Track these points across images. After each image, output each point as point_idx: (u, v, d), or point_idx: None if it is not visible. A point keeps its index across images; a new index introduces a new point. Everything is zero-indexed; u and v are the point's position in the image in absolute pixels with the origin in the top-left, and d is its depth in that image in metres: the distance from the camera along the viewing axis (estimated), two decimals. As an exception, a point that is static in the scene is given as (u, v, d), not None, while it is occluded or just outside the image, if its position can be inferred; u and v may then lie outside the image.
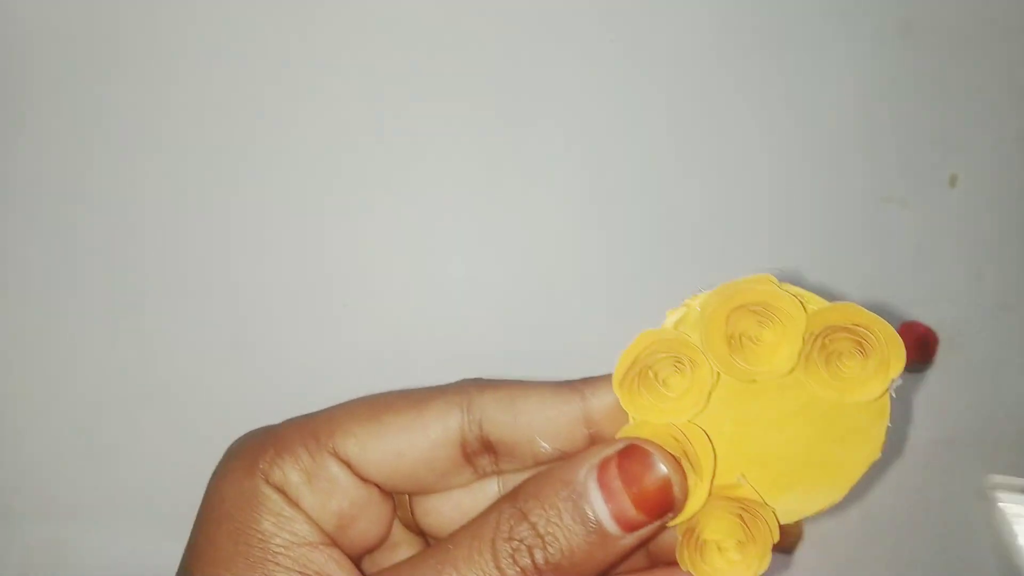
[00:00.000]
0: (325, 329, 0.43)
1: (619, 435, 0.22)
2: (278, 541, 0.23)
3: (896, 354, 0.21)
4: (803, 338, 0.21)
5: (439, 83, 0.43)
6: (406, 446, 0.24)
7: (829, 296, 0.22)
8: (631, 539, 0.21)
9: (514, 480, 0.25)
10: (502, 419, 0.24)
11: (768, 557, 0.21)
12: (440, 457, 0.24)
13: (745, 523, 0.21)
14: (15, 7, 0.42)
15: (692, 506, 0.22)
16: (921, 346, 0.43)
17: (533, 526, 0.21)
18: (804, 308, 0.21)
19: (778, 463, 0.22)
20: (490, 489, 0.26)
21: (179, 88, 0.43)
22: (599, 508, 0.21)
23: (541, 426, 0.23)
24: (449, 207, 0.43)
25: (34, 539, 0.42)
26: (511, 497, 0.22)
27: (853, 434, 0.22)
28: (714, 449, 0.22)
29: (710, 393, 0.22)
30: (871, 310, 0.21)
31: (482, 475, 0.25)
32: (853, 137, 0.44)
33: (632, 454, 0.21)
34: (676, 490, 0.21)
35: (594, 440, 0.24)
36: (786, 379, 0.22)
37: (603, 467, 0.21)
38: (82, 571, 0.42)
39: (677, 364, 0.22)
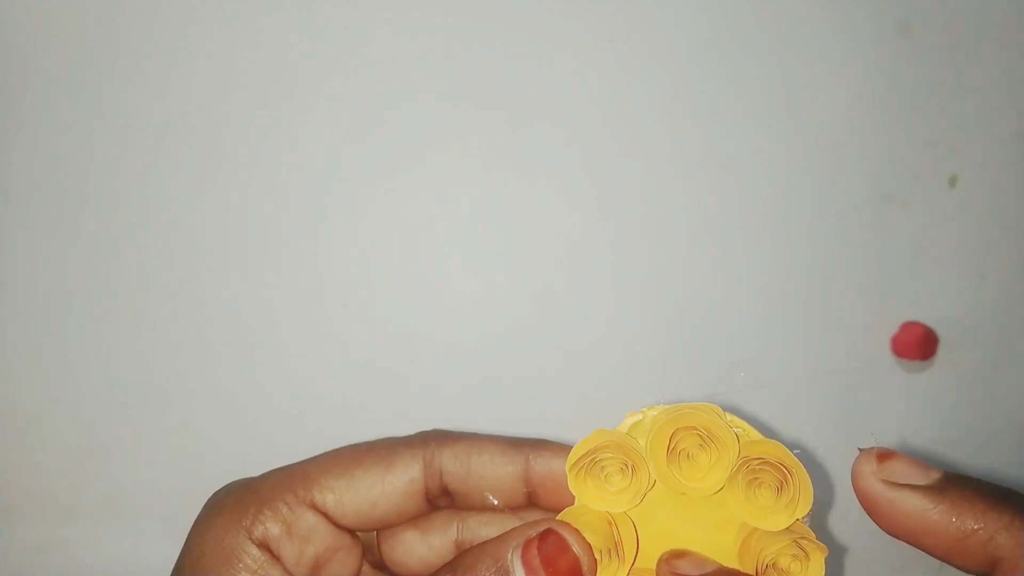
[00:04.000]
0: (325, 329, 0.43)
1: (560, 516, 0.25)
2: None
3: (805, 498, 0.25)
4: (732, 465, 0.25)
5: (439, 83, 0.43)
6: (379, 497, 0.28)
7: (765, 430, 0.25)
8: None
9: (472, 525, 0.29)
10: (458, 472, 0.28)
11: None
12: (406, 503, 0.28)
13: None
14: (15, 7, 0.42)
15: None
16: (921, 346, 0.43)
17: None
18: (739, 440, 0.25)
19: None
20: (450, 535, 0.30)
21: (179, 88, 0.43)
22: None
23: (489, 482, 0.28)
24: (449, 207, 0.43)
25: (34, 539, 0.42)
26: (449, 567, 0.25)
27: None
28: (638, 539, 0.25)
29: (645, 494, 0.25)
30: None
31: (439, 509, 0.29)
32: (853, 137, 0.44)
33: (550, 537, 0.24)
34: (586, 572, 0.24)
35: (531, 498, 0.28)
36: (713, 496, 0.25)
37: (526, 547, 0.24)
38: (82, 571, 0.42)
39: (623, 465, 0.25)
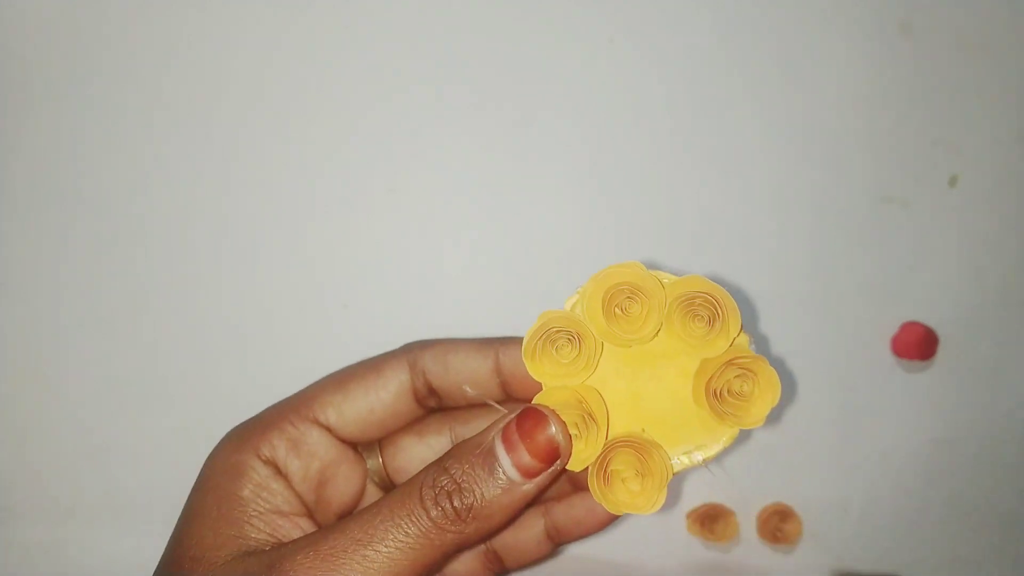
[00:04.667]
0: (325, 329, 0.43)
1: (532, 402, 0.27)
2: (254, 507, 0.27)
3: (733, 317, 0.27)
4: (663, 308, 0.27)
5: (439, 83, 0.43)
6: (375, 402, 0.30)
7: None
8: (531, 486, 0.26)
9: (463, 424, 0.32)
10: (438, 370, 0.30)
11: (664, 491, 0.26)
12: (400, 405, 0.31)
13: (642, 458, 0.26)
14: (15, 7, 0.42)
15: (591, 449, 0.27)
16: (921, 346, 0.43)
17: (452, 477, 0.26)
18: (662, 285, 0.27)
19: (670, 416, 0.27)
20: (445, 435, 0.32)
21: (178, 88, 0.43)
22: (502, 458, 0.26)
23: (465, 375, 0.30)
24: (449, 207, 0.43)
25: (34, 539, 0.42)
26: (437, 461, 0.27)
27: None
28: (606, 404, 0.27)
29: (597, 359, 0.27)
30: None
31: (431, 410, 0.32)
32: (853, 137, 0.44)
33: (527, 415, 0.26)
34: (561, 440, 0.26)
35: (504, 388, 0.31)
36: (657, 345, 0.27)
37: (506, 428, 0.26)
38: (82, 571, 0.42)
39: (569, 336, 0.27)
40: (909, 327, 0.43)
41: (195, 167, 0.43)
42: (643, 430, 0.27)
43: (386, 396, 0.30)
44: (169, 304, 0.42)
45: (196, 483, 0.29)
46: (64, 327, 0.42)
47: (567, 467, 0.27)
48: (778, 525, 0.42)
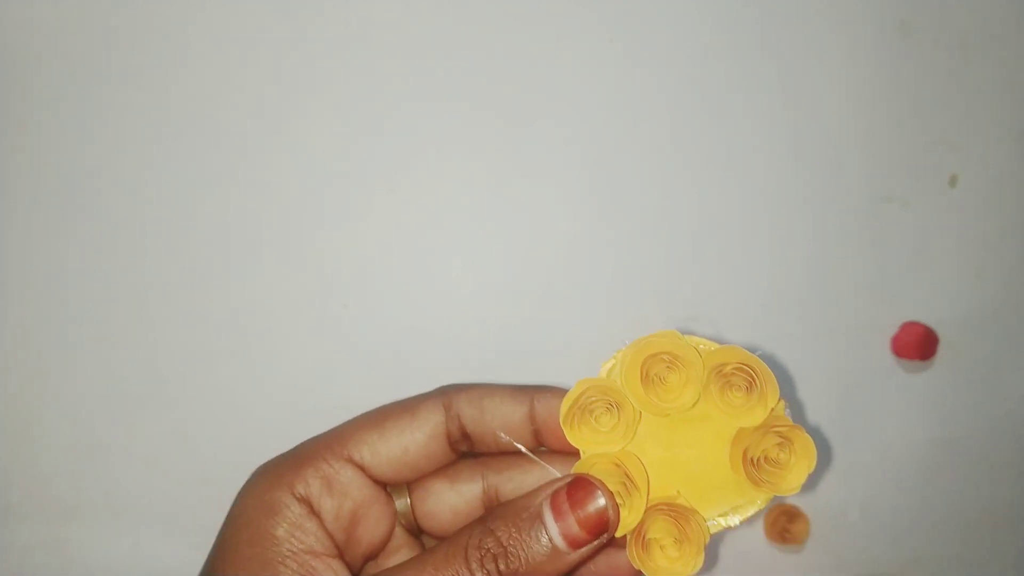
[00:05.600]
0: (325, 330, 0.43)
1: (573, 470, 0.27)
2: (287, 547, 0.27)
3: (771, 388, 0.27)
4: (701, 378, 0.27)
5: (439, 83, 0.43)
6: (408, 443, 0.30)
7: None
8: (575, 555, 0.26)
9: (495, 474, 0.32)
10: (473, 414, 0.30)
11: (701, 554, 0.26)
12: (433, 448, 0.30)
13: (680, 525, 0.27)
14: (15, 7, 0.42)
15: (633, 516, 0.27)
16: (921, 346, 0.43)
17: (498, 540, 0.26)
18: (700, 354, 0.27)
19: (706, 479, 0.28)
20: (476, 483, 0.32)
21: (179, 88, 0.43)
22: (550, 526, 0.26)
23: (500, 421, 0.30)
24: (449, 207, 0.43)
25: (34, 539, 0.42)
26: (482, 519, 0.27)
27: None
28: (647, 471, 0.27)
29: (636, 427, 0.28)
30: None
31: (462, 454, 0.32)
32: (853, 137, 0.44)
33: (579, 485, 0.26)
34: (611, 514, 0.26)
35: (537, 436, 0.30)
36: (694, 411, 0.28)
37: (555, 495, 0.26)
38: (82, 571, 0.42)
39: (607, 405, 0.27)
40: (909, 327, 0.43)
41: (195, 168, 0.43)
42: (678, 492, 0.28)
43: (420, 437, 0.30)
44: (169, 304, 0.42)
45: (229, 517, 0.29)
46: (64, 327, 0.42)
47: (617, 536, 0.27)
48: (785, 526, 0.42)
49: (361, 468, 0.30)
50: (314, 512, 0.28)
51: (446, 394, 0.31)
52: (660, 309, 0.44)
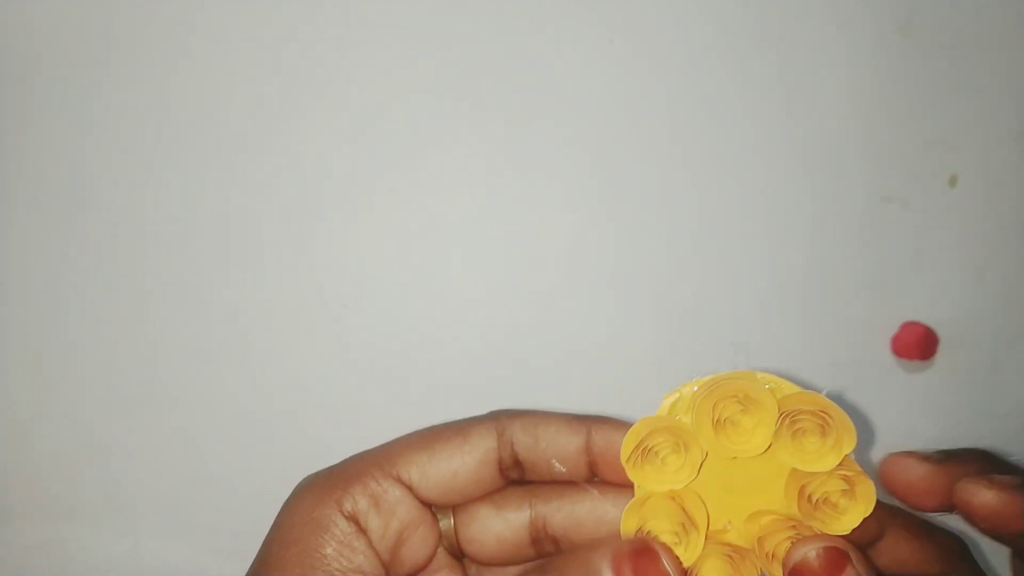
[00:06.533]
0: (325, 330, 0.43)
1: (628, 507, 0.26)
2: (336, 565, 0.27)
3: (848, 436, 0.26)
4: (775, 421, 0.26)
5: (439, 83, 0.43)
6: (459, 467, 0.29)
7: (800, 383, 0.26)
8: None
9: (544, 503, 0.30)
10: (527, 442, 0.29)
11: None
12: (483, 473, 0.30)
13: (734, 563, 0.26)
14: (15, 7, 0.42)
15: (690, 555, 0.26)
16: (921, 346, 0.43)
17: None
18: (775, 398, 0.26)
19: (759, 512, 0.27)
20: (524, 511, 0.31)
21: (178, 88, 0.43)
22: None
23: (555, 451, 0.29)
24: (449, 207, 0.43)
25: (34, 539, 0.42)
26: (539, 568, 0.26)
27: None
28: (707, 508, 0.27)
29: (700, 466, 0.27)
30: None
31: (511, 482, 0.31)
32: (853, 137, 0.44)
33: (643, 552, 0.25)
34: None
35: (592, 468, 0.29)
36: (763, 454, 0.26)
37: (617, 558, 0.25)
38: (82, 571, 0.42)
39: (674, 445, 0.26)
40: (909, 327, 0.43)
41: (195, 167, 0.43)
42: (729, 523, 0.27)
43: (471, 461, 0.29)
44: (169, 304, 0.42)
45: (274, 532, 0.28)
46: (64, 327, 0.42)
47: None
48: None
49: (409, 488, 0.29)
50: (362, 530, 0.28)
51: (499, 420, 0.30)
52: (660, 309, 0.44)
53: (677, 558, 0.25)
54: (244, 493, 0.42)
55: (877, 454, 0.43)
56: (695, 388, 0.27)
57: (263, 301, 0.43)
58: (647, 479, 0.27)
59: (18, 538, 0.42)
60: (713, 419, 0.26)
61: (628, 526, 0.26)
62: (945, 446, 0.44)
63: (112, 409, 0.42)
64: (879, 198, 0.44)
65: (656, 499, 0.26)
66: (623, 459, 0.26)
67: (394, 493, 0.29)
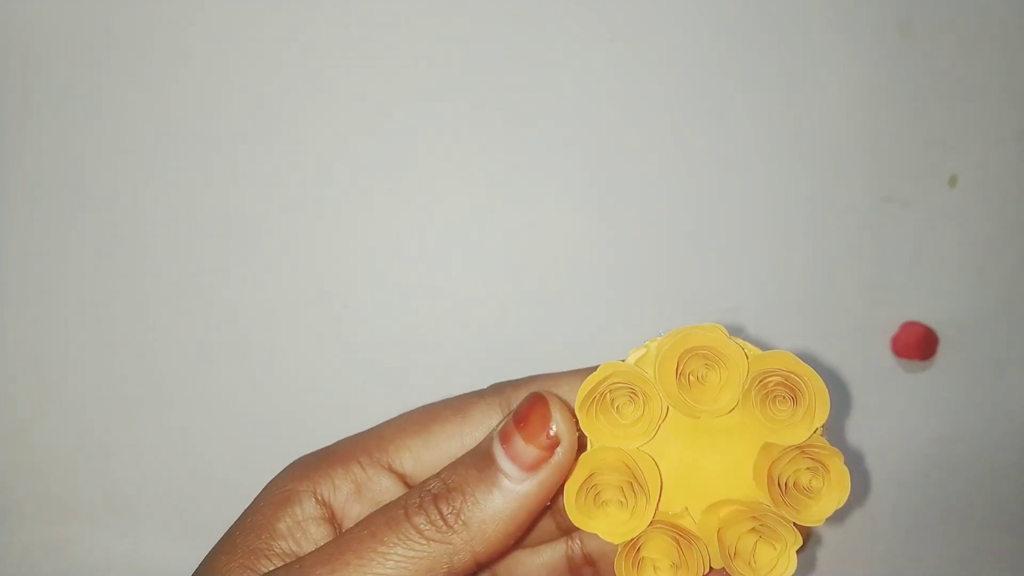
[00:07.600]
0: (325, 330, 0.43)
1: (580, 458, 0.24)
2: (282, 545, 0.24)
3: (822, 404, 0.23)
4: (743, 382, 0.24)
5: (439, 83, 0.43)
6: (458, 450, 0.26)
7: (768, 348, 0.24)
8: (531, 484, 0.22)
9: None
10: None
11: None
12: None
13: (681, 549, 0.24)
14: (15, 7, 0.42)
15: (636, 523, 0.24)
16: (921, 346, 0.43)
17: (442, 479, 0.23)
18: (746, 356, 0.24)
19: (722, 496, 0.24)
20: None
21: (179, 88, 0.43)
22: (498, 453, 0.23)
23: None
24: (449, 207, 0.43)
25: (34, 539, 0.42)
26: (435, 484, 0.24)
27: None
28: (661, 476, 0.24)
29: (659, 425, 0.24)
30: (802, 358, 0.24)
31: None
32: (853, 137, 0.44)
33: (525, 401, 0.23)
34: (559, 420, 0.23)
35: None
36: (727, 419, 0.24)
37: (504, 423, 0.23)
38: (82, 571, 0.42)
39: (632, 395, 0.24)
40: (909, 327, 0.43)
41: (195, 167, 0.43)
42: (685, 509, 0.25)
43: (471, 444, 0.26)
44: (169, 304, 0.42)
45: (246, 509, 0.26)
46: (64, 327, 0.42)
47: (612, 541, 0.24)
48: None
49: (401, 477, 0.26)
50: (333, 518, 0.25)
51: (502, 392, 0.27)
52: (660, 308, 0.44)
53: (569, 409, 0.23)
54: (244, 493, 0.42)
55: (877, 454, 0.43)
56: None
57: (263, 301, 0.43)
58: (599, 430, 0.24)
59: (18, 538, 0.42)
60: (677, 372, 0.24)
61: (576, 479, 0.24)
62: (945, 445, 0.44)
63: (112, 409, 0.42)
64: (879, 198, 0.44)
65: (608, 454, 0.24)
66: (576, 405, 0.24)
67: (381, 482, 0.26)
